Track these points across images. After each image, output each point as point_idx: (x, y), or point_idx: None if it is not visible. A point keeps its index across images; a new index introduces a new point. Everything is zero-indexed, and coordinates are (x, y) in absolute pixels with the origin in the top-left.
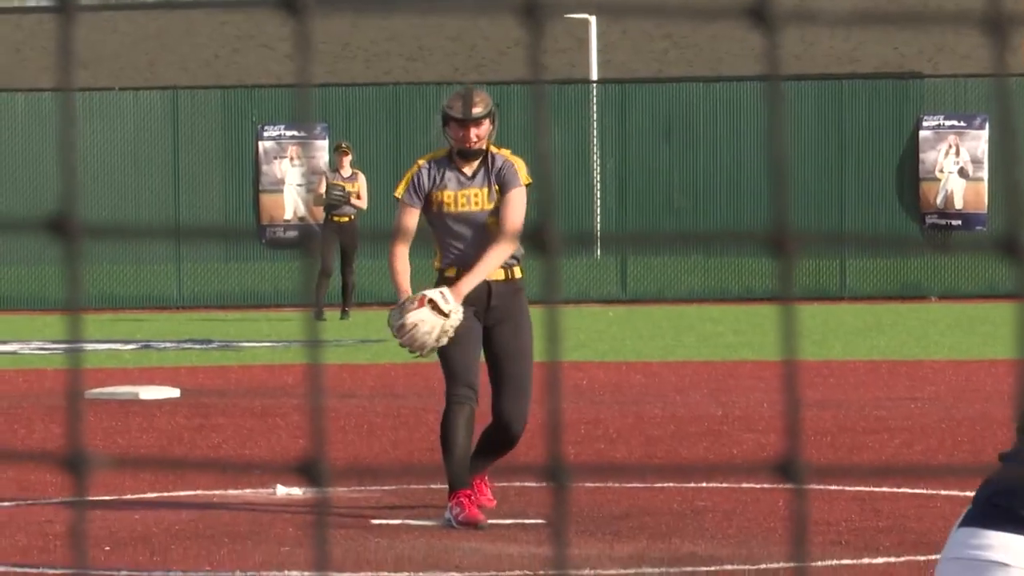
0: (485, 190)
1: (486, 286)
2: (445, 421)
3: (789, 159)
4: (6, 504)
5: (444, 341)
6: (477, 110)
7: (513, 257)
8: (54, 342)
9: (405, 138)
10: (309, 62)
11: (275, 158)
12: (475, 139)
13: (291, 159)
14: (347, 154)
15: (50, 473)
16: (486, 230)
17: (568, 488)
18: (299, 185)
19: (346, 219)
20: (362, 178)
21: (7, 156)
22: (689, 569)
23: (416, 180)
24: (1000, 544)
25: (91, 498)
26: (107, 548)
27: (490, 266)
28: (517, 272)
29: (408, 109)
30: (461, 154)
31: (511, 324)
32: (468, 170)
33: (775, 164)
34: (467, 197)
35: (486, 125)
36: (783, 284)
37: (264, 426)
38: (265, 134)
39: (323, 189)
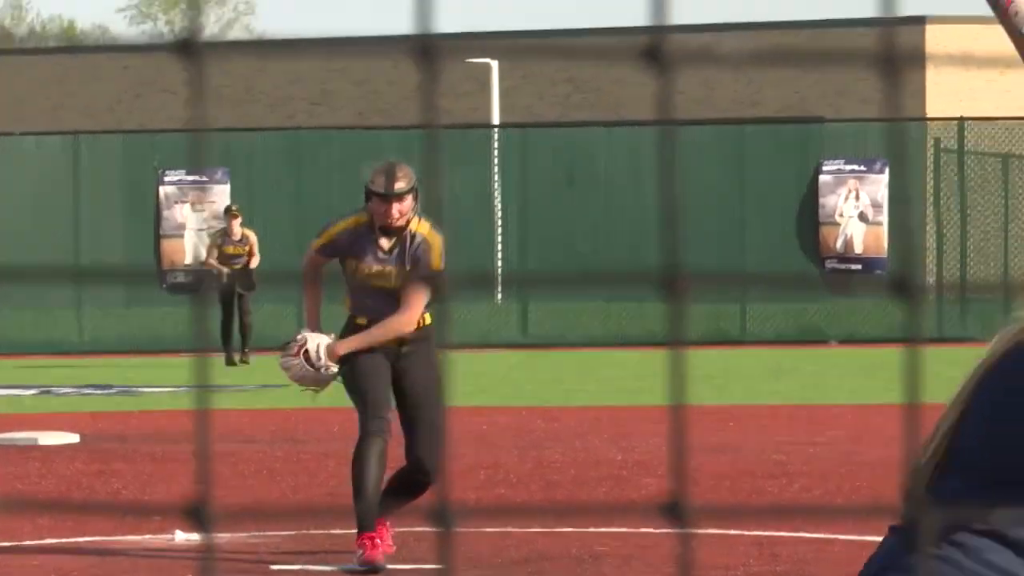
0: (398, 268)
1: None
2: (358, 453)
3: (682, 201)
4: None
5: (319, 391)
6: (399, 185)
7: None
8: None
9: (307, 182)
10: (204, 107)
11: (176, 203)
12: (397, 215)
13: (191, 204)
14: (236, 217)
15: None
16: (396, 298)
17: (453, 531)
18: (199, 230)
19: (240, 267)
20: (252, 237)
21: None
22: None
23: (334, 244)
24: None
25: None
26: None
27: (378, 337)
28: (427, 319)
29: (311, 153)
30: (382, 230)
31: (421, 369)
32: (386, 245)
33: (668, 205)
34: (381, 274)
35: (408, 201)
36: (673, 325)
37: (163, 471)
38: (166, 179)
39: (213, 259)
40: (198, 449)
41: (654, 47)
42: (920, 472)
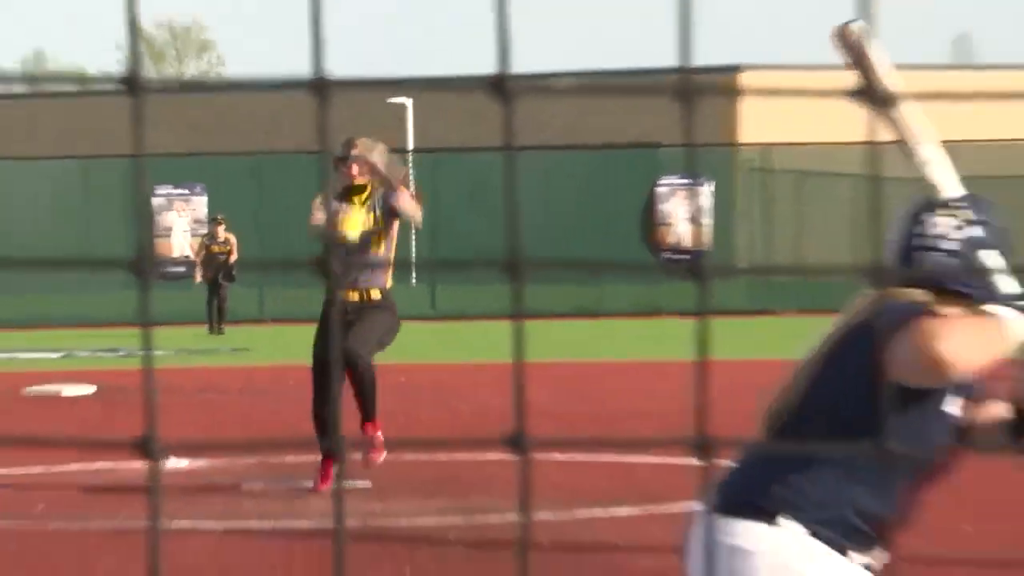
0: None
1: (343, 304)
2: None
3: (554, 207)
4: None
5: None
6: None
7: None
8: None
9: (266, 195)
10: (142, 134)
11: (164, 211)
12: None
13: (177, 211)
14: (221, 224)
15: None
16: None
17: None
18: (184, 231)
19: (222, 261)
20: (233, 240)
21: None
22: (481, 517)
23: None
24: (743, 531)
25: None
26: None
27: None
28: (374, 294)
29: (268, 172)
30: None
31: (369, 316)
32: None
33: (511, 207)
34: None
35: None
36: (515, 300)
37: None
38: (156, 192)
39: (199, 257)
40: (145, 395)
41: (498, 82)
42: (775, 414)
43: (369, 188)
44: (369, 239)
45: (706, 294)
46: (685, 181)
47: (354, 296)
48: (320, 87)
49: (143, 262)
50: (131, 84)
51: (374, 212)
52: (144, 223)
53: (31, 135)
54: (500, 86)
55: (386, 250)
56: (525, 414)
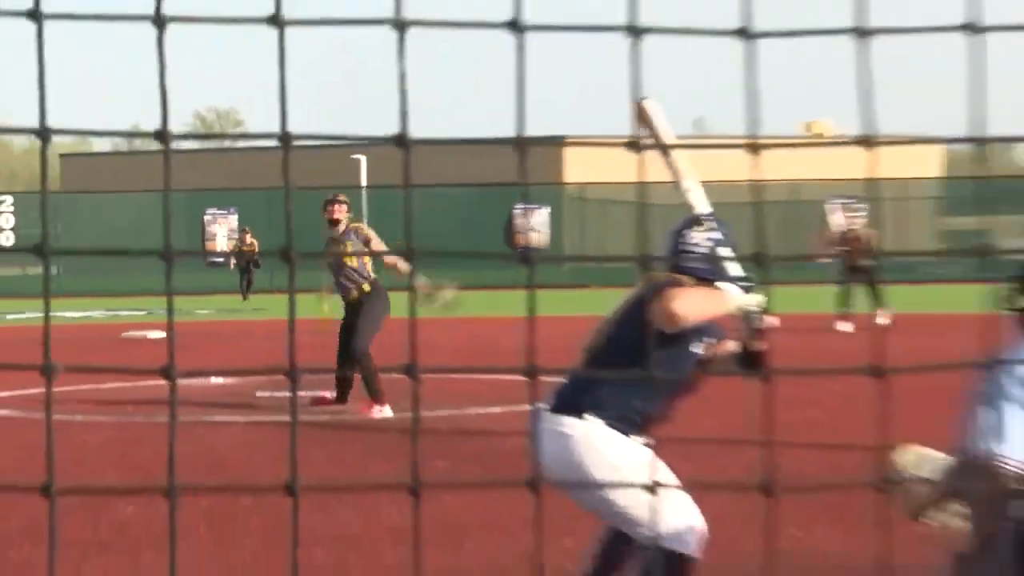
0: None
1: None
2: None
3: (449, 227)
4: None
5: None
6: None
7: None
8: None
9: (275, 216)
10: (169, 175)
11: (211, 224)
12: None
13: (219, 224)
14: (247, 233)
15: None
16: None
17: None
18: (223, 236)
19: (249, 255)
20: (255, 242)
21: None
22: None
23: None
24: (565, 422)
25: None
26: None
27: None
28: (365, 287)
29: (277, 200)
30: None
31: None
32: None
33: (408, 223)
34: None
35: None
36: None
37: (198, 351)
38: (207, 212)
39: (232, 252)
40: (169, 343)
41: (400, 138)
42: (589, 349)
43: (343, 224)
44: (342, 259)
45: (534, 274)
46: (531, 206)
47: (355, 295)
48: (284, 140)
49: (168, 254)
50: (161, 136)
51: (348, 242)
52: (174, 229)
53: (125, 178)
54: (403, 141)
55: (360, 264)
56: (415, 350)
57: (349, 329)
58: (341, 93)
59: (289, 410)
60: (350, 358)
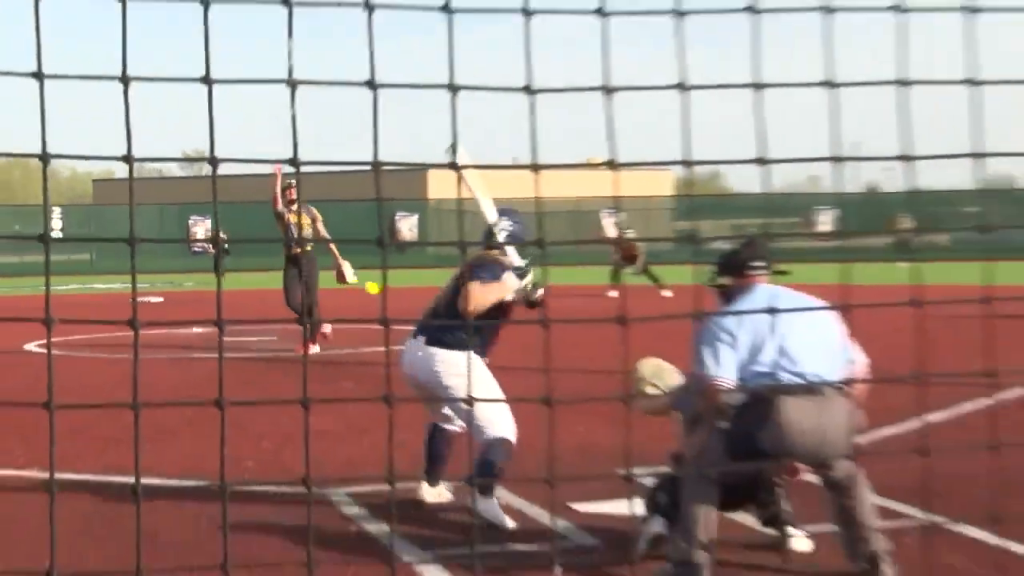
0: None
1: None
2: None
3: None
4: None
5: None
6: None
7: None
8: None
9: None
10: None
11: (193, 227)
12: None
13: (199, 226)
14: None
15: None
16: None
17: None
18: (201, 234)
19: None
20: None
21: None
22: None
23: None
24: (434, 352)
25: None
26: None
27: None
28: (296, 251)
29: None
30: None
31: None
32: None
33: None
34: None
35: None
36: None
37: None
38: (191, 218)
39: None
40: (132, 302)
41: (295, 163)
42: (433, 308)
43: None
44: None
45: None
46: (406, 213)
47: (297, 251)
48: (212, 162)
49: (132, 240)
50: (127, 159)
51: (302, 215)
52: (166, 229)
53: (139, 196)
54: (296, 165)
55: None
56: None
57: (294, 279)
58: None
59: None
60: (309, 305)
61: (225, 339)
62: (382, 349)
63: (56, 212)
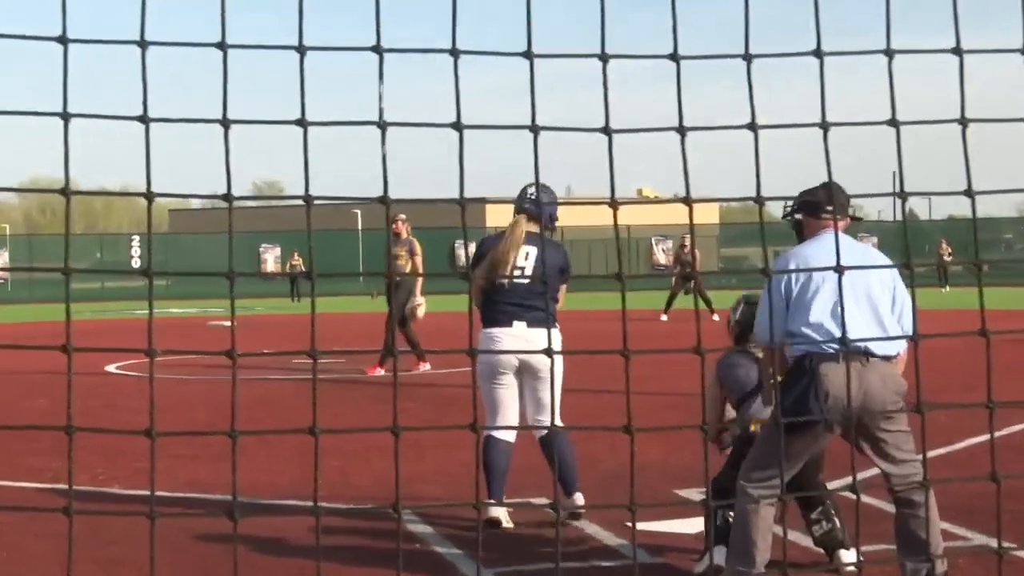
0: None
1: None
2: None
3: None
4: None
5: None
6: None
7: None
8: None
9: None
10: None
11: (263, 253)
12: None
13: (268, 253)
14: (298, 259)
15: None
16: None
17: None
18: (271, 260)
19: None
20: (301, 262)
21: None
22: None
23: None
24: (493, 332)
25: None
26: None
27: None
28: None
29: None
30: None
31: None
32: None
33: None
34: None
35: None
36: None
37: (270, 330)
38: (261, 246)
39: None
40: (149, 330)
41: (382, 198)
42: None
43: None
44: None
45: (472, 286)
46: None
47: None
48: (307, 200)
49: (231, 274)
50: (227, 198)
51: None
52: (239, 257)
53: (211, 226)
54: (384, 200)
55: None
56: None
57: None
58: (351, 162)
59: (311, 375)
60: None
61: (298, 361)
62: (444, 371)
63: (135, 241)
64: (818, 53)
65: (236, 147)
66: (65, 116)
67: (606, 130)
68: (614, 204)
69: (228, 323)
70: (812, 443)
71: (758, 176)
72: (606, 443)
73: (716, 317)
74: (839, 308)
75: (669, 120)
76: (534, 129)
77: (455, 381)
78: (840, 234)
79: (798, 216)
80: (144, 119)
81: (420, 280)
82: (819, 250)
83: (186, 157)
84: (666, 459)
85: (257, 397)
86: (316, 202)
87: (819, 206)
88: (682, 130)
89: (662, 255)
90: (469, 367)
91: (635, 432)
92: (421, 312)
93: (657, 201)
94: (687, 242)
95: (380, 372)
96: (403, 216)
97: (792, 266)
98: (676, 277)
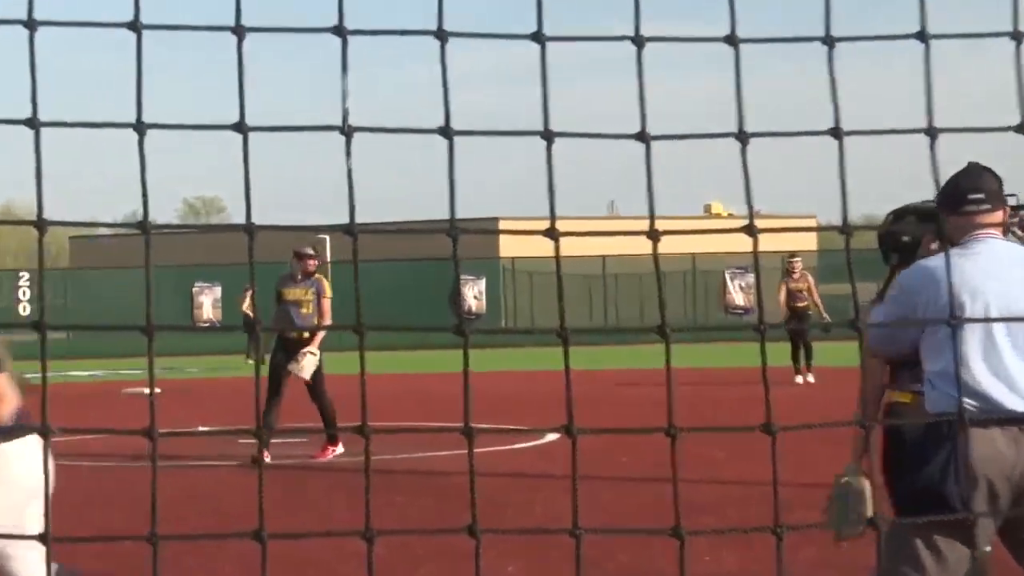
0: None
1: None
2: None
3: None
4: None
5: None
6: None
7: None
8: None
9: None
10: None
11: (198, 296)
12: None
13: (205, 295)
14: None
15: None
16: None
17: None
18: (209, 306)
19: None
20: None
21: None
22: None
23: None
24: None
25: None
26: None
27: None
28: (295, 336)
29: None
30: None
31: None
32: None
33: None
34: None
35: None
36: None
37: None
38: (195, 285)
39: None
40: (151, 404)
41: (349, 227)
42: None
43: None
44: (301, 304)
45: (467, 343)
46: (471, 277)
47: (296, 336)
48: (248, 230)
49: (149, 327)
50: (143, 227)
51: (310, 290)
52: (165, 301)
53: (124, 257)
54: (351, 230)
55: (311, 312)
56: (470, 411)
57: (281, 366)
58: (299, 185)
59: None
60: (319, 398)
61: (244, 441)
62: (441, 453)
63: (22, 279)
64: (922, 36)
65: (163, 156)
66: None
67: (642, 136)
68: (654, 235)
69: (147, 390)
70: (956, 548)
71: (844, 196)
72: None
73: (801, 379)
74: (995, 352)
75: (728, 117)
76: (547, 136)
77: (460, 466)
78: (995, 239)
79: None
80: (34, 123)
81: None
82: (968, 263)
83: (91, 169)
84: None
85: (187, 488)
86: (263, 229)
87: (960, 196)
88: (743, 136)
89: (739, 294)
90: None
91: (686, 536)
92: (309, 367)
93: (705, 232)
94: (796, 267)
95: (337, 451)
96: (310, 248)
97: (925, 282)
98: (786, 315)
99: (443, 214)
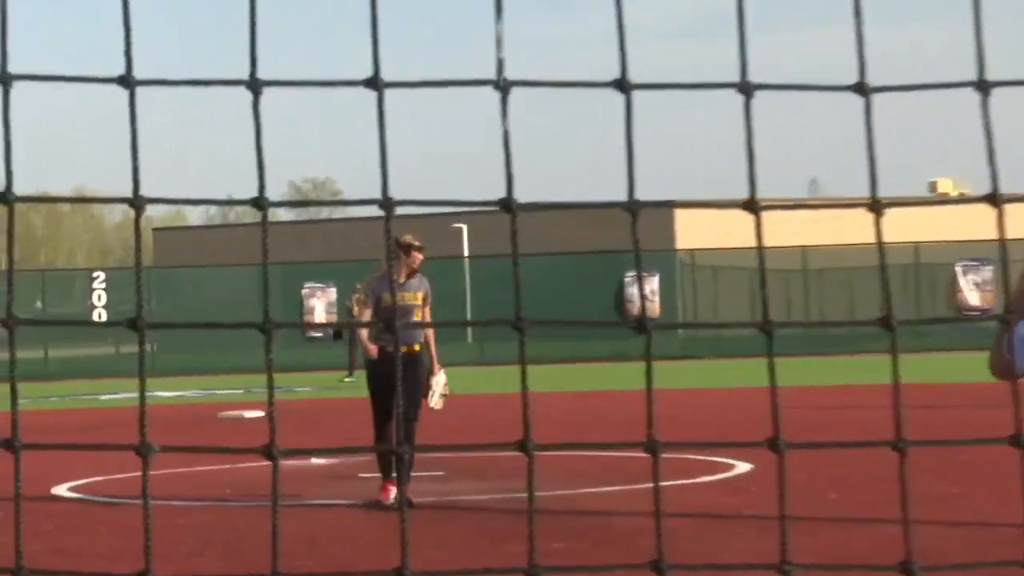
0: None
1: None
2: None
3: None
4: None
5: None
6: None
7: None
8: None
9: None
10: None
11: (308, 299)
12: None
13: (317, 298)
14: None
15: None
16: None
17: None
18: (322, 310)
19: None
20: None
21: None
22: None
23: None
24: None
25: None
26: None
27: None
28: (416, 347)
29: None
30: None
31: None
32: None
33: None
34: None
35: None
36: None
37: (305, 417)
38: (305, 286)
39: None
40: (140, 418)
41: (506, 202)
42: None
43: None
44: (413, 312)
45: (650, 342)
46: (642, 272)
47: (417, 348)
48: (385, 206)
49: (268, 326)
50: (259, 203)
51: (419, 293)
52: (271, 303)
53: (218, 251)
54: (509, 206)
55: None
56: (530, 425)
57: (394, 386)
58: (439, 162)
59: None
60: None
61: (363, 475)
62: (608, 489)
63: (98, 278)
64: None
65: (268, 134)
66: None
67: (861, 88)
68: (876, 208)
69: (251, 413)
70: None
71: None
72: None
73: None
74: None
75: (966, 69)
76: (744, 88)
77: (623, 504)
78: None
79: None
80: (128, 81)
81: (434, 346)
82: None
83: (175, 149)
84: None
85: (307, 534)
86: (400, 208)
87: None
88: (983, 85)
89: (973, 292)
90: (639, 484)
91: None
92: (440, 396)
93: (935, 203)
94: None
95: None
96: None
97: None
98: None
99: (601, 198)
